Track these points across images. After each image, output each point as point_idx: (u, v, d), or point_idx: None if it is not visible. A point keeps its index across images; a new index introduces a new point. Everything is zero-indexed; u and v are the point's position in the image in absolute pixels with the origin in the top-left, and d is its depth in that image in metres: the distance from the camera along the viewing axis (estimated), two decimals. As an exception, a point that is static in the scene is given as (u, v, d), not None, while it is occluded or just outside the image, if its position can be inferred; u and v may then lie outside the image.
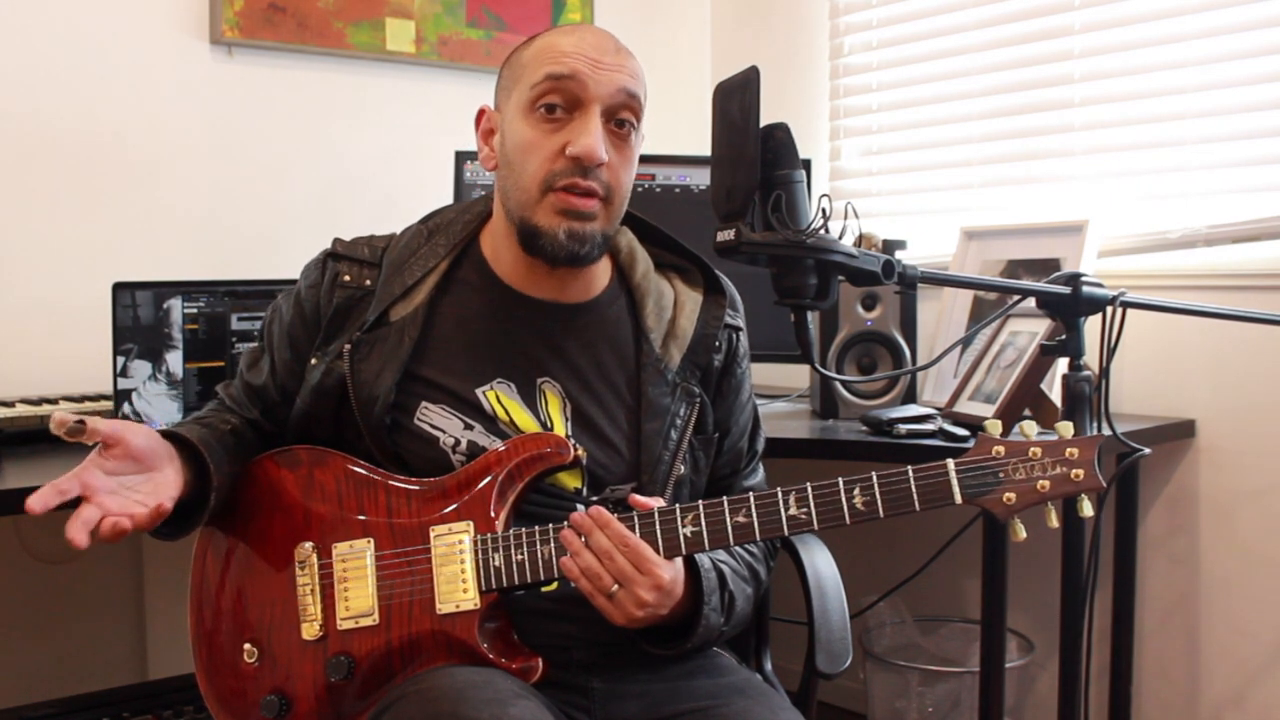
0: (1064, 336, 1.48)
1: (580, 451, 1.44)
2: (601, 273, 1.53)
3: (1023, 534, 1.31)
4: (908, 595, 2.63)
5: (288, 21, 2.57)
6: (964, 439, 2.02)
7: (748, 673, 1.54)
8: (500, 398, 1.47)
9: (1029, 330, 2.16)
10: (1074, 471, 1.30)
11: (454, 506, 1.41)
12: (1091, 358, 1.47)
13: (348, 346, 1.46)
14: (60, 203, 2.36)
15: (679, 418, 1.50)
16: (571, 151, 1.38)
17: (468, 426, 1.45)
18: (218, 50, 2.53)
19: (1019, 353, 2.13)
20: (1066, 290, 1.46)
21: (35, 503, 1.25)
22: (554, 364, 1.49)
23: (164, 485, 1.35)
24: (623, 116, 1.42)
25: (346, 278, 1.49)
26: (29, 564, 2.34)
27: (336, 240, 1.54)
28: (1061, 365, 1.86)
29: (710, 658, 1.51)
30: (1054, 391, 2.04)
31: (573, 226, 1.40)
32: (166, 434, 1.42)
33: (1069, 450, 1.31)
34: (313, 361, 1.49)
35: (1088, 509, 1.31)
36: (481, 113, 1.51)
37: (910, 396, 2.39)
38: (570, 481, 1.47)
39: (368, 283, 1.49)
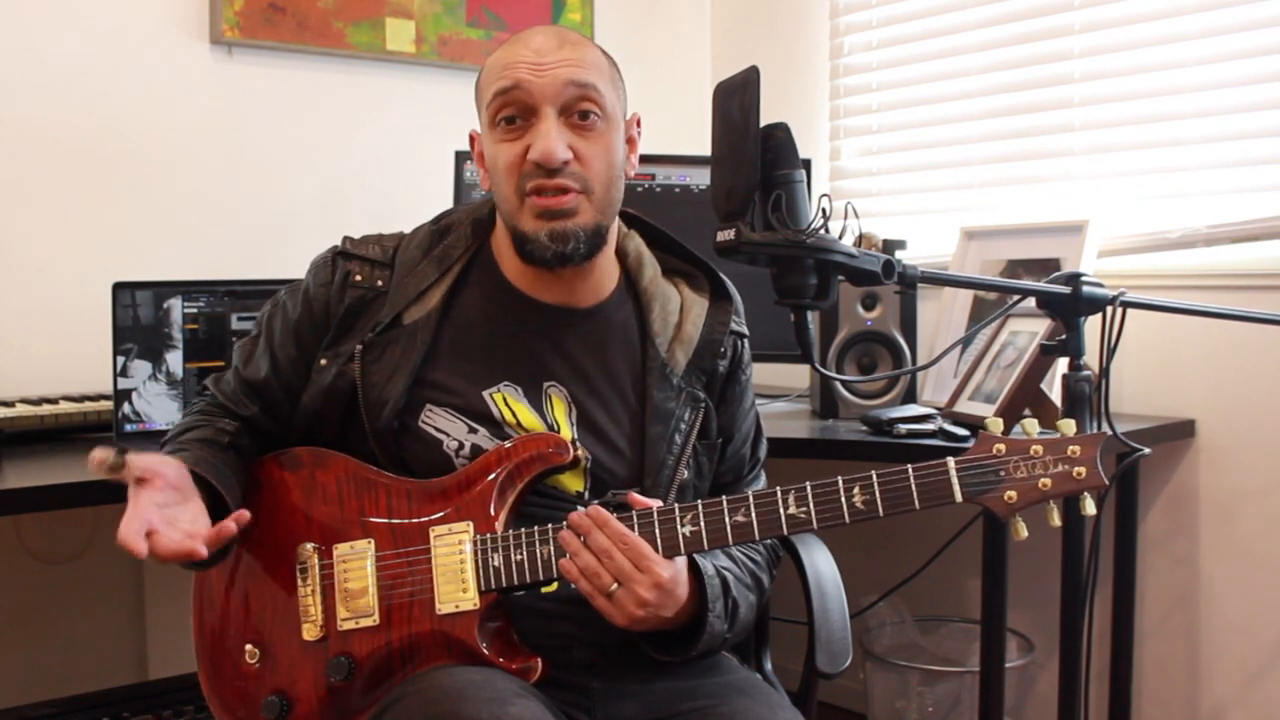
0: (1064, 336, 1.48)
1: (580, 451, 1.43)
2: (609, 277, 1.53)
3: (1024, 533, 1.31)
4: (908, 595, 2.63)
5: (287, 21, 2.57)
6: (964, 439, 2.02)
7: (747, 672, 1.54)
8: (507, 400, 1.46)
9: (1029, 330, 2.16)
10: (1076, 470, 1.29)
11: (454, 507, 1.40)
12: (1091, 358, 1.47)
13: (359, 347, 1.46)
14: (60, 203, 2.36)
15: (683, 422, 1.50)
16: (531, 157, 1.39)
17: (472, 430, 1.45)
18: (218, 50, 2.53)
19: (1019, 353, 2.13)
20: (1066, 290, 1.46)
21: (135, 547, 1.26)
22: (560, 368, 1.49)
23: (201, 514, 1.35)
24: (583, 108, 1.42)
25: (358, 277, 1.49)
26: (29, 564, 2.34)
27: (346, 238, 1.53)
28: (1061, 365, 1.85)
29: (710, 657, 1.50)
30: (1054, 391, 2.04)
31: (553, 227, 1.41)
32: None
33: (1071, 448, 1.30)
34: (322, 362, 1.48)
35: (1090, 507, 1.30)
36: (473, 139, 1.53)
37: (910, 396, 2.39)
38: (573, 484, 1.47)
39: (379, 283, 1.48)
